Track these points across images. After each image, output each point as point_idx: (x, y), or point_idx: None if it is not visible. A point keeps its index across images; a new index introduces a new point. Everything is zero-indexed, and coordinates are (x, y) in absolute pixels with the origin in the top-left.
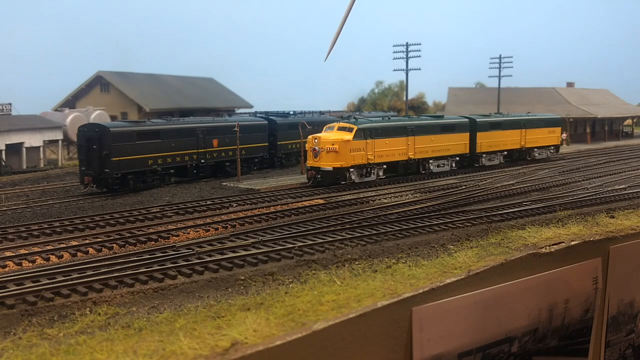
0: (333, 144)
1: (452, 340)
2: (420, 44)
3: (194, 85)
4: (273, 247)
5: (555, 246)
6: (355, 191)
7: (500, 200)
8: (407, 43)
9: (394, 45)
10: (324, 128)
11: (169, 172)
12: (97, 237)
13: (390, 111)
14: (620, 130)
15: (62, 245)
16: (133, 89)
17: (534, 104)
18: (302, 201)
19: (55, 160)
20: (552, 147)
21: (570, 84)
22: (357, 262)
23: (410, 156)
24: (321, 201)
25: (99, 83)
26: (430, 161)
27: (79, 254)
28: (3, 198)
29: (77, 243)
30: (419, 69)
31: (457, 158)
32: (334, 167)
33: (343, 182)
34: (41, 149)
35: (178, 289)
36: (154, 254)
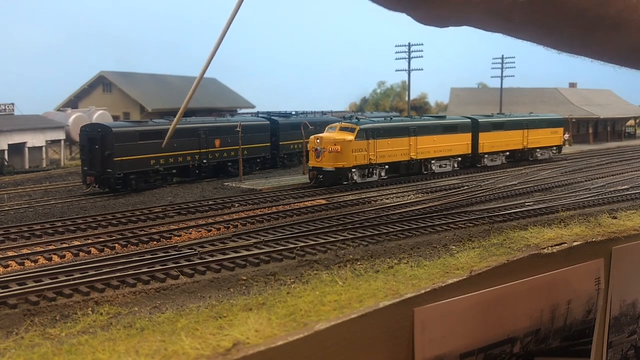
0: (335, 144)
1: (454, 341)
2: (422, 44)
3: None
4: (275, 247)
5: (557, 247)
6: (357, 191)
7: (503, 201)
8: (409, 43)
9: (396, 46)
10: (326, 128)
11: (171, 172)
12: (99, 237)
13: (392, 111)
14: (622, 131)
15: (64, 245)
16: (135, 89)
17: (536, 104)
18: (304, 201)
19: (57, 160)
20: (555, 148)
21: (572, 85)
22: (359, 263)
23: (412, 156)
24: (323, 201)
25: (102, 83)
26: (433, 161)
27: (81, 253)
28: (6, 198)
29: (79, 243)
30: (421, 69)
31: (459, 158)
32: (336, 168)
33: (345, 183)
34: (43, 148)
35: (180, 289)
36: (156, 254)
